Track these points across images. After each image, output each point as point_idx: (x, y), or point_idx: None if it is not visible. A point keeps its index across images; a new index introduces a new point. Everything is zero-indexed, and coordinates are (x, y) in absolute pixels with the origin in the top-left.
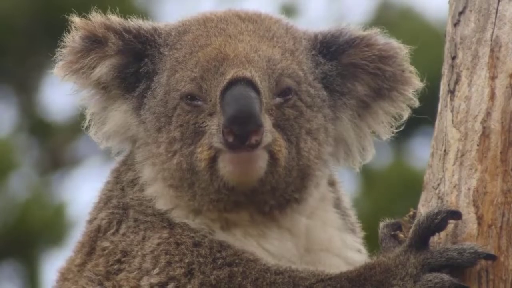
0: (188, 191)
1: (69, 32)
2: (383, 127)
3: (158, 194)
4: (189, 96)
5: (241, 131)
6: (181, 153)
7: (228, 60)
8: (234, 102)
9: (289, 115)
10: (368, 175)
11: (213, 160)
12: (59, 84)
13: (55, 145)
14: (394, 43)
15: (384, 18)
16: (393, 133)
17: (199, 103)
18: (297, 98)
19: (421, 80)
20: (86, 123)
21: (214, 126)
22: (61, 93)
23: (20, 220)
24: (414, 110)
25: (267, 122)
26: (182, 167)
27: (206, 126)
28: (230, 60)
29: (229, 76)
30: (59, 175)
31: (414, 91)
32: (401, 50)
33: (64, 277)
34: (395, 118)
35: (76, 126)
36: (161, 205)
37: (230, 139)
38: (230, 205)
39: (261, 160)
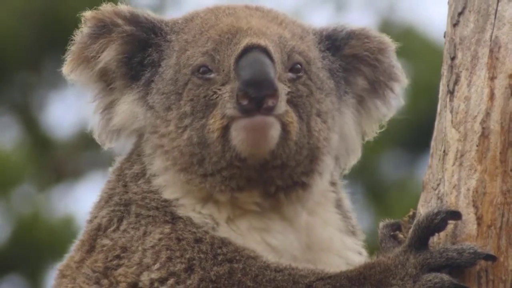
0: (198, 170)
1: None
2: (370, 125)
3: (168, 182)
4: (201, 69)
5: (257, 94)
6: (192, 127)
7: (242, 31)
8: (249, 66)
9: (302, 92)
10: (379, 188)
11: (225, 130)
12: (62, 101)
13: (57, 159)
14: (386, 37)
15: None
16: (376, 133)
17: (211, 75)
18: (307, 77)
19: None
20: (90, 127)
21: (227, 93)
22: (63, 110)
23: (23, 234)
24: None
25: (282, 90)
26: (192, 141)
27: (217, 97)
28: (244, 31)
29: (243, 44)
30: (61, 188)
31: (401, 89)
32: (392, 44)
33: (62, 273)
34: (380, 119)
35: (78, 142)
36: (169, 194)
37: (245, 102)
38: (242, 182)
39: (274, 130)
